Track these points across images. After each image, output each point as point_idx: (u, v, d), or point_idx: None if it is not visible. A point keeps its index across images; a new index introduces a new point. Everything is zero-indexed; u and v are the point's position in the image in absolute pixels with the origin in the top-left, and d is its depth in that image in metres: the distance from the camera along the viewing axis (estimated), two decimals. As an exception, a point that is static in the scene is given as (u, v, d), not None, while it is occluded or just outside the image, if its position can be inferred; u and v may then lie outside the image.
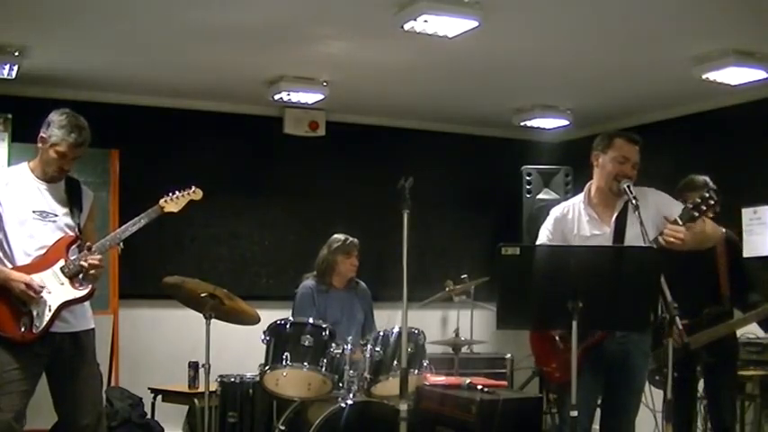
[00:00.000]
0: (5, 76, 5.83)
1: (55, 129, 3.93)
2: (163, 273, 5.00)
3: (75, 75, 6.27)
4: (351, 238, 5.51)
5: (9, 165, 5.89)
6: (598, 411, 4.15)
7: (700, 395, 4.96)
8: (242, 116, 7.26)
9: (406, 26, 4.87)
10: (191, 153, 6.90)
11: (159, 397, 5.87)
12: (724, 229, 4.85)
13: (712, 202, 3.80)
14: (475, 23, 4.86)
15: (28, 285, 3.82)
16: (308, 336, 4.68)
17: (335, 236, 5.54)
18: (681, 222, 3.81)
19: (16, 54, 5.59)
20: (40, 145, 3.98)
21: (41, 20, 5.12)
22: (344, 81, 6.44)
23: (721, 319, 4.68)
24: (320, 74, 6.37)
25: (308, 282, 5.49)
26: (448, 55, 5.67)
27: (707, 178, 4.76)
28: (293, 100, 6.72)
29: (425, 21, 4.80)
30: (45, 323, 3.85)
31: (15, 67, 5.72)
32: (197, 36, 5.42)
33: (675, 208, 3.92)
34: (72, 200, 4.06)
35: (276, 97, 6.60)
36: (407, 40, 5.19)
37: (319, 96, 6.65)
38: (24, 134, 5.97)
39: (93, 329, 4.12)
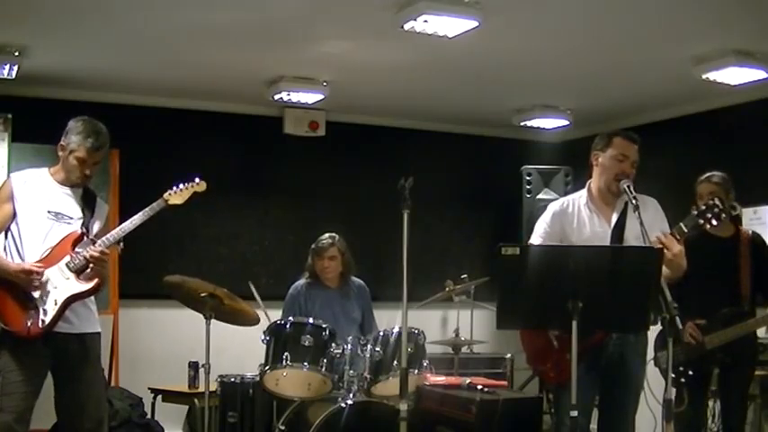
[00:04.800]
0: (5, 76, 5.83)
1: (72, 135, 4.00)
2: (163, 273, 4.99)
3: (75, 75, 6.27)
4: (323, 239, 5.40)
5: (9, 164, 5.89)
6: (595, 412, 4.16)
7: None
8: (242, 116, 7.26)
9: (406, 26, 4.87)
10: (191, 153, 6.88)
11: (159, 397, 5.86)
12: (751, 230, 4.89)
13: (717, 211, 3.79)
14: (475, 23, 4.86)
15: (26, 272, 3.85)
16: (308, 336, 4.67)
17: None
18: (685, 229, 3.82)
19: (16, 54, 5.59)
20: (60, 153, 4.04)
21: (41, 20, 5.12)
22: (344, 81, 6.44)
23: (738, 320, 4.68)
24: (320, 74, 6.37)
25: (300, 281, 5.47)
26: (448, 55, 5.67)
27: (714, 174, 4.79)
28: (293, 100, 6.72)
29: (425, 21, 4.80)
30: (51, 318, 3.86)
31: (15, 67, 5.72)
32: (197, 36, 5.42)
33: (663, 228, 3.93)
34: (86, 207, 4.09)
35: (276, 97, 6.60)
36: (407, 40, 5.19)
37: (319, 96, 6.65)
38: (24, 134, 5.99)
39: (98, 334, 4.12)
